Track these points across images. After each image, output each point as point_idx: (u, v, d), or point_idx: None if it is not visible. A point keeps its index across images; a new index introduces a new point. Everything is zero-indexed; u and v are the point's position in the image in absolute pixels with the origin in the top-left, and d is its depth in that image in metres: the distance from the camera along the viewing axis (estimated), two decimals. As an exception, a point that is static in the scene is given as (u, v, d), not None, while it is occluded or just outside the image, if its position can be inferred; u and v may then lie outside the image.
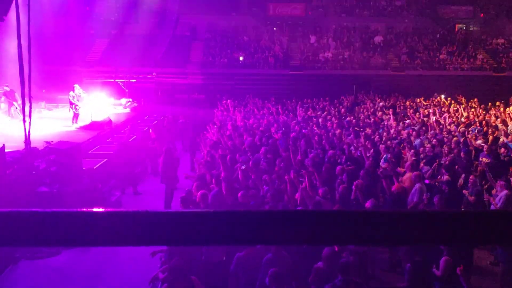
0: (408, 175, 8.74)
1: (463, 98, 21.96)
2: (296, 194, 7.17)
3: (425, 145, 11.09)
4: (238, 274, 5.61)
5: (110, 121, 15.48)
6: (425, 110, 18.66)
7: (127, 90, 21.94)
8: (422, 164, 9.80)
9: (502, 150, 10.92)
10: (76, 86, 16.13)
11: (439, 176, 9.14)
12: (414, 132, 12.87)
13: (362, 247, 5.98)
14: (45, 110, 19.06)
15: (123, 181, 11.51)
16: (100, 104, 17.92)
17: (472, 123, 15.33)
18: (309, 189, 7.23)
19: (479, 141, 11.90)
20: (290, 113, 17.69)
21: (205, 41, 29.67)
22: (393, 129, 13.98)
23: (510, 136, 12.91)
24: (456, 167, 9.54)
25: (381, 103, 20.88)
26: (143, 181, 12.37)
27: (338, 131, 12.93)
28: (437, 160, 9.56)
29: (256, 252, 5.58)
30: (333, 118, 16.00)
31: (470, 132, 13.54)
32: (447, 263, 5.49)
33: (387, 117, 16.50)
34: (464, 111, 18.09)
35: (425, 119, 16.34)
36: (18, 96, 15.92)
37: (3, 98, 16.30)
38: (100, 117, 15.72)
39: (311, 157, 9.38)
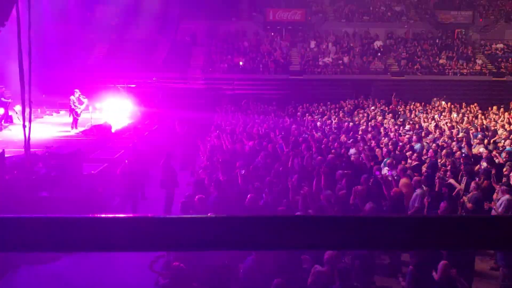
0: (402, 180, 8.68)
1: (458, 105, 21.98)
2: (298, 198, 7.15)
3: (426, 150, 11.09)
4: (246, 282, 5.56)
5: (110, 126, 15.49)
6: (425, 115, 18.69)
7: (127, 95, 21.94)
8: (424, 169, 9.81)
9: (504, 154, 10.91)
10: (76, 91, 16.16)
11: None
12: (414, 137, 12.88)
13: (364, 252, 5.97)
14: (45, 115, 19.11)
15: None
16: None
17: (472, 127, 15.34)
18: (315, 192, 7.22)
19: (481, 149, 11.87)
20: (290, 118, 17.71)
21: (205, 46, 29.76)
22: (392, 134, 13.99)
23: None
24: (461, 173, 9.54)
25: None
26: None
27: (339, 135, 12.94)
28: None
29: (265, 260, 5.53)
30: (333, 123, 16.02)
31: (472, 137, 13.56)
32: (445, 267, 5.48)
33: (386, 122, 16.51)
34: (464, 116, 18.11)
35: (425, 124, 16.36)
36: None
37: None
38: (99, 122, 15.77)
39: (317, 161, 9.39)
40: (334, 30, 31.51)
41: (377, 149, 11.10)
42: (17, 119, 15.17)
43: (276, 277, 4.97)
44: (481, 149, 11.83)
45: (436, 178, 8.86)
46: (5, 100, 16.13)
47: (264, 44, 29.83)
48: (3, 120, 15.84)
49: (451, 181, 9.09)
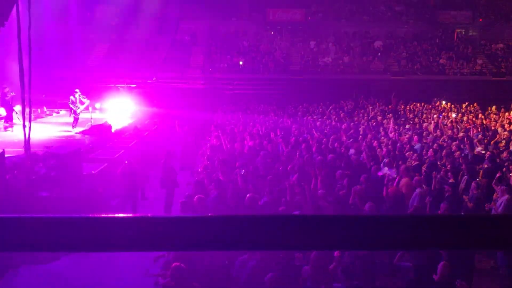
0: (404, 180, 8.66)
1: (458, 105, 21.98)
2: (297, 198, 7.15)
3: (426, 150, 11.08)
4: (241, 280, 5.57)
5: (110, 126, 15.50)
6: (425, 115, 18.69)
7: (127, 95, 21.95)
8: (424, 169, 9.80)
9: (505, 154, 10.91)
10: (77, 91, 16.16)
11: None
12: (415, 137, 12.87)
13: (364, 252, 5.96)
14: (45, 114, 19.13)
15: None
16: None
17: (472, 127, 15.33)
18: (313, 192, 7.23)
19: (479, 148, 11.88)
20: (290, 118, 17.72)
21: (205, 46, 29.74)
22: (392, 134, 13.99)
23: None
24: (462, 172, 9.54)
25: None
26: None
27: (340, 135, 12.93)
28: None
29: (262, 260, 5.54)
30: (333, 123, 16.02)
31: (473, 137, 13.57)
32: (445, 268, 5.47)
33: (386, 122, 16.51)
34: (464, 116, 18.12)
35: (425, 124, 16.35)
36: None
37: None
38: (99, 121, 15.79)
39: (317, 161, 9.39)
40: (334, 30, 31.49)
41: (377, 149, 11.10)
42: (17, 119, 15.16)
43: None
44: (479, 149, 11.85)
45: (433, 176, 8.84)
46: (7, 98, 16.10)
47: (264, 44, 29.82)
48: (3, 120, 15.84)
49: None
